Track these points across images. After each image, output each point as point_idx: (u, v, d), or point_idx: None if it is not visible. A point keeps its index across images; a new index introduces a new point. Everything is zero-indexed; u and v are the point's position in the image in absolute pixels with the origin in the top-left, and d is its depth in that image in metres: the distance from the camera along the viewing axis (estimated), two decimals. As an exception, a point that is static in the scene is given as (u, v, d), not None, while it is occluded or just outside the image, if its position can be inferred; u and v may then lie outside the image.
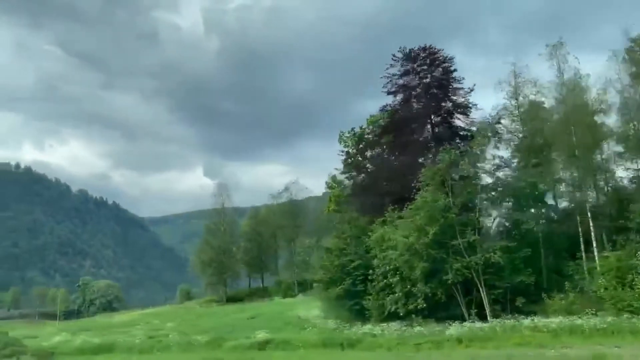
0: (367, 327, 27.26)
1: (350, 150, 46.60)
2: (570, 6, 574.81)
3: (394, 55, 37.51)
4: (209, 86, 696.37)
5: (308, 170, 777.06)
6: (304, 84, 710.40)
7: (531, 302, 27.56)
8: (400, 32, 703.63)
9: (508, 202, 29.64)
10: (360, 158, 45.99)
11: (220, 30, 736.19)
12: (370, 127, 47.51)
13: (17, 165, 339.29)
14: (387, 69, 37.80)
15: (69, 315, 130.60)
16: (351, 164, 43.95)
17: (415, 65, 37.68)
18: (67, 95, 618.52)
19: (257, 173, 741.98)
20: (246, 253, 69.90)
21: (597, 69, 36.59)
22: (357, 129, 47.34)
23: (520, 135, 33.40)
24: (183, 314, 57.13)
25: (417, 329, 24.92)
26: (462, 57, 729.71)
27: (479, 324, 24.21)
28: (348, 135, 46.58)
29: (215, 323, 44.91)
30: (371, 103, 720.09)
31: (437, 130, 37.04)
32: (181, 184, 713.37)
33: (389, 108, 38.62)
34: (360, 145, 46.60)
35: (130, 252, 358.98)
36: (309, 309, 45.56)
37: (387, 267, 28.49)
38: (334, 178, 50.65)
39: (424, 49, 37.58)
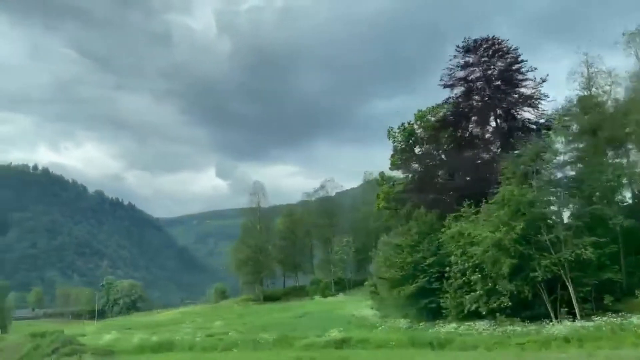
0: (451, 326, 26.22)
1: (400, 146, 45.56)
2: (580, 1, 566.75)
3: (457, 47, 36.49)
4: (221, 87, 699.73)
5: (318, 171, 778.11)
6: (314, 84, 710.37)
7: (616, 300, 26.48)
8: (412, 31, 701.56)
9: (590, 196, 28.40)
10: (410, 154, 45.00)
11: (232, 32, 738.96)
12: (419, 122, 46.44)
13: (35, 167, 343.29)
14: (449, 60, 36.78)
15: (93, 314, 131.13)
16: (405, 160, 42.90)
17: (477, 57, 36.60)
18: (81, 97, 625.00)
19: (268, 174, 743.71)
20: (281, 252, 69.12)
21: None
22: (406, 125, 46.22)
23: (595, 127, 32.12)
24: (224, 313, 56.53)
25: (510, 328, 23.86)
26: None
27: (579, 323, 23.09)
28: (398, 130, 45.56)
29: (264, 321, 44.17)
30: (381, 103, 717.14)
31: (501, 124, 35.92)
32: (194, 185, 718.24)
33: (450, 101, 37.53)
34: (410, 141, 45.56)
35: (145, 252, 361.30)
36: (359, 307, 44.75)
37: (467, 264, 27.48)
38: (382, 175, 49.48)
39: (487, 39, 36.49)
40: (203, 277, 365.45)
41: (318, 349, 26.70)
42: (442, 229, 30.23)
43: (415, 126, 46.87)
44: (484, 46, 36.40)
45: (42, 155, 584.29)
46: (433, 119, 42.36)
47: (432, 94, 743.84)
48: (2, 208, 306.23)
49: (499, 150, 33.75)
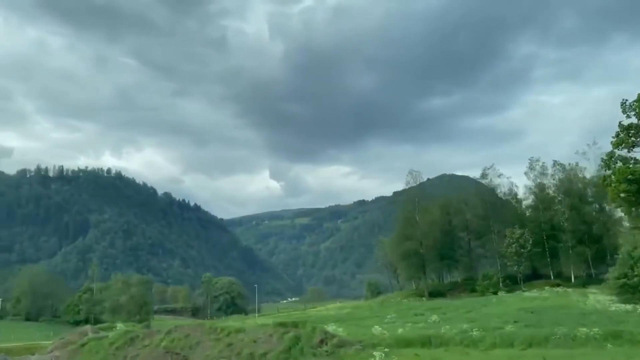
0: None
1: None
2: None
3: None
4: (274, 90, 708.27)
5: (371, 170, 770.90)
6: (366, 83, 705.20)
7: None
8: (469, 27, 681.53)
9: None
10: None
11: (285, 34, 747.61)
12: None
13: (109, 171, 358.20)
14: None
15: (194, 311, 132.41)
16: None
17: None
18: (142, 104, 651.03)
19: (321, 174, 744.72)
20: (440, 245, 65.08)
21: None
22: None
23: None
24: (404, 307, 52.70)
25: None
26: (535, 48, 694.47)
27: None
28: (637, 103, 40.46)
29: (498, 315, 40.22)
30: (437, 100, 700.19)
31: None
32: (248, 187, 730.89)
33: None
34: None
35: (212, 252, 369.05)
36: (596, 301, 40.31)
37: None
38: (611, 154, 44.06)
39: None
40: (267, 276, 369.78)
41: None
42: None
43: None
44: None
45: (106, 161, 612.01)
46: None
47: (493, 88, 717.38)
48: (81, 210, 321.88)
49: None
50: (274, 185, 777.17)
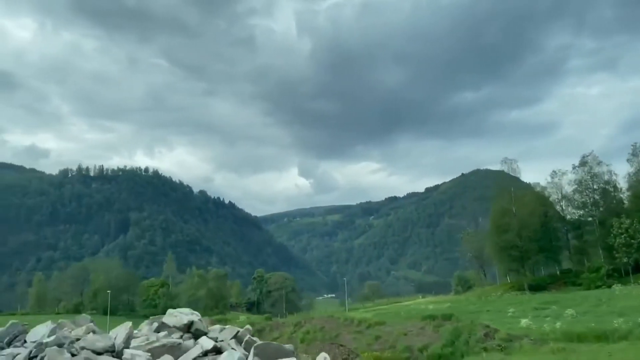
0: None
1: None
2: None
3: None
4: (302, 87, 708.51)
5: (400, 166, 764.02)
6: (395, 78, 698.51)
7: None
8: (499, 18, 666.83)
9: None
10: None
11: (312, 31, 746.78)
12: None
13: (146, 169, 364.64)
14: None
15: (249, 306, 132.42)
16: None
17: None
18: (173, 104, 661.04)
19: (350, 171, 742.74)
20: (538, 236, 62.35)
21: None
22: None
23: None
24: (520, 302, 50.07)
25: None
26: (569, 39, 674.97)
27: None
28: None
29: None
30: (468, 94, 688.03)
31: None
32: (278, 184, 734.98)
33: None
34: None
35: (247, 249, 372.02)
36: None
37: None
38: None
39: None
40: (301, 272, 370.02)
41: None
42: None
43: None
44: None
45: (139, 160, 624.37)
46: None
47: (525, 80, 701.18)
48: (122, 208, 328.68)
49: None
50: (303, 182, 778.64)
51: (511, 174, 62.42)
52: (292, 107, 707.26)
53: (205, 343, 11.07)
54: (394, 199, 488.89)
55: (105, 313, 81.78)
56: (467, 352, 29.36)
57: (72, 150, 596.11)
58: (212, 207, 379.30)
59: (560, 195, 64.39)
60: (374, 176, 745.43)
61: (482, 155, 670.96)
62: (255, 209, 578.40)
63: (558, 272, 63.02)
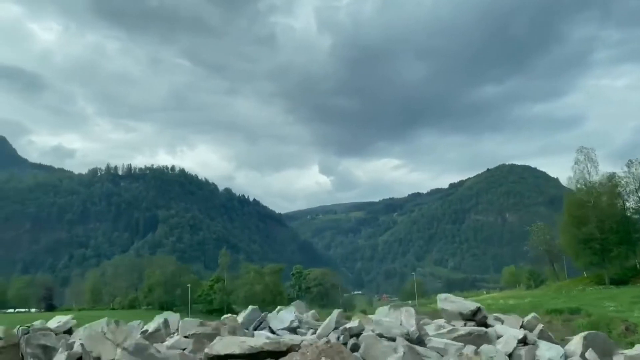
0: None
1: None
2: None
3: None
4: (323, 84, 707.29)
5: (423, 162, 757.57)
6: (416, 73, 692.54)
7: None
8: (523, 11, 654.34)
9: None
10: None
11: (332, 28, 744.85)
12: None
13: (173, 168, 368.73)
14: None
15: (289, 303, 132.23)
16: None
17: None
18: (195, 104, 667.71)
19: (371, 168, 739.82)
20: (618, 228, 60.10)
21: None
22: None
23: None
24: (610, 296, 48.14)
25: None
26: (594, 30, 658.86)
27: None
28: None
29: None
30: (491, 88, 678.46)
31: None
32: (299, 182, 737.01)
33: None
34: None
35: (272, 246, 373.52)
36: None
37: None
38: None
39: None
40: (326, 269, 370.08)
41: None
42: None
43: None
44: None
45: (162, 159, 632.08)
46: None
47: (550, 73, 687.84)
48: (150, 206, 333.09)
49: None
50: (324, 179, 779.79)
51: (588, 163, 60.10)
52: (313, 104, 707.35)
53: (515, 333, 10.34)
54: (417, 195, 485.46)
55: (161, 308, 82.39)
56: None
57: (96, 150, 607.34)
58: (237, 204, 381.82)
59: (638, 184, 61.97)
60: (396, 172, 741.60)
61: (506, 149, 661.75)
62: (278, 207, 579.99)
63: (638, 265, 60.74)
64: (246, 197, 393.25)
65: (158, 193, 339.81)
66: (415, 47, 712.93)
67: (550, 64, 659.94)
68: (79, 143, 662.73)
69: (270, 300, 75.42)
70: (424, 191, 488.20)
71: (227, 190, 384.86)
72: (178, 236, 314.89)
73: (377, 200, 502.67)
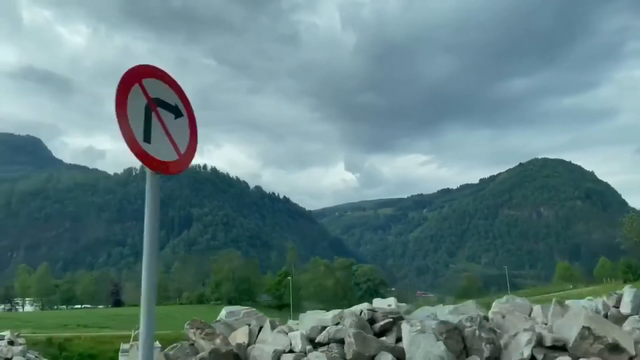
0: None
1: None
2: None
3: None
4: (347, 81, 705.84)
5: (449, 158, 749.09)
6: (442, 68, 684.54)
7: None
8: (550, 3, 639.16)
9: None
10: None
11: (356, 24, 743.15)
12: None
13: (205, 166, 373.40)
14: None
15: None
16: None
17: None
18: (220, 103, 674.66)
19: (397, 164, 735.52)
20: None
21: None
22: None
23: None
24: None
25: None
26: (627, 20, 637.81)
27: None
28: None
29: None
30: (519, 81, 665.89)
31: None
32: (325, 179, 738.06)
33: None
34: None
35: (304, 243, 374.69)
36: None
37: None
38: None
39: None
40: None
41: None
42: None
43: None
44: None
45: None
46: None
47: (580, 65, 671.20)
48: (184, 205, 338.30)
49: None
50: (350, 176, 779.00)
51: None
52: (338, 101, 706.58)
53: None
54: (446, 191, 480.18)
55: (229, 303, 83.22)
56: None
57: (126, 151, 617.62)
58: (267, 202, 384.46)
59: None
60: (423, 168, 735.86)
61: (536, 143, 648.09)
62: (305, 204, 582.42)
63: None
64: (276, 194, 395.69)
65: (191, 191, 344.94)
66: (440, 42, 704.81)
67: (580, 56, 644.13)
68: (109, 144, 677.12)
69: (342, 296, 75.39)
70: (454, 187, 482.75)
71: (258, 188, 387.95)
72: (212, 234, 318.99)
73: (405, 196, 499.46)
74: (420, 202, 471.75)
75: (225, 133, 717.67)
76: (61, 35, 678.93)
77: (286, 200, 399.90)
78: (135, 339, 33.92)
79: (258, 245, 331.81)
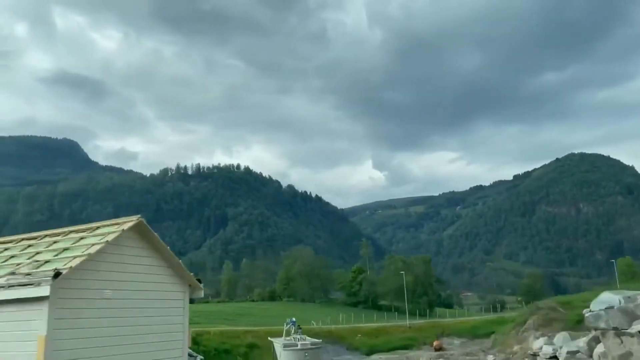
0: None
1: None
2: None
3: None
4: (374, 78, 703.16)
5: (479, 154, 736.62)
6: (471, 63, 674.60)
7: None
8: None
9: None
10: None
11: (383, 21, 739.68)
12: None
13: (238, 166, 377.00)
14: None
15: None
16: None
17: None
18: (248, 103, 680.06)
19: (426, 162, 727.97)
20: None
21: None
22: None
23: None
24: None
25: None
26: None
27: None
28: None
29: None
30: (552, 75, 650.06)
31: None
32: (352, 178, 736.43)
33: None
34: None
35: (337, 242, 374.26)
36: None
37: None
38: None
39: None
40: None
41: None
42: None
43: None
44: None
45: (218, 159, 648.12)
46: None
47: (615, 57, 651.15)
48: (219, 204, 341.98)
49: None
50: (378, 175, 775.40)
51: None
52: (364, 99, 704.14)
53: None
54: (479, 188, 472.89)
55: (302, 300, 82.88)
56: None
57: (157, 152, 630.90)
58: (299, 201, 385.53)
59: None
60: (452, 165, 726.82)
61: (571, 138, 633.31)
62: (334, 203, 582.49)
63: None
64: (309, 193, 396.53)
65: (226, 191, 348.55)
66: (469, 36, 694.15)
67: (616, 47, 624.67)
68: (141, 146, 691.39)
69: (422, 292, 74.11)
70: (486, 183, 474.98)
71: (290, 187, 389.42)
72: (248, 233, 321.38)
73: (436, 194, 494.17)
74: (452, 199, 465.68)
75: (254, 133, 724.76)
76: (93, 40, 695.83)
77: (318, 199, 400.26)
78: (288, 333, 33.56)
79: (293, 244, 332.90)
